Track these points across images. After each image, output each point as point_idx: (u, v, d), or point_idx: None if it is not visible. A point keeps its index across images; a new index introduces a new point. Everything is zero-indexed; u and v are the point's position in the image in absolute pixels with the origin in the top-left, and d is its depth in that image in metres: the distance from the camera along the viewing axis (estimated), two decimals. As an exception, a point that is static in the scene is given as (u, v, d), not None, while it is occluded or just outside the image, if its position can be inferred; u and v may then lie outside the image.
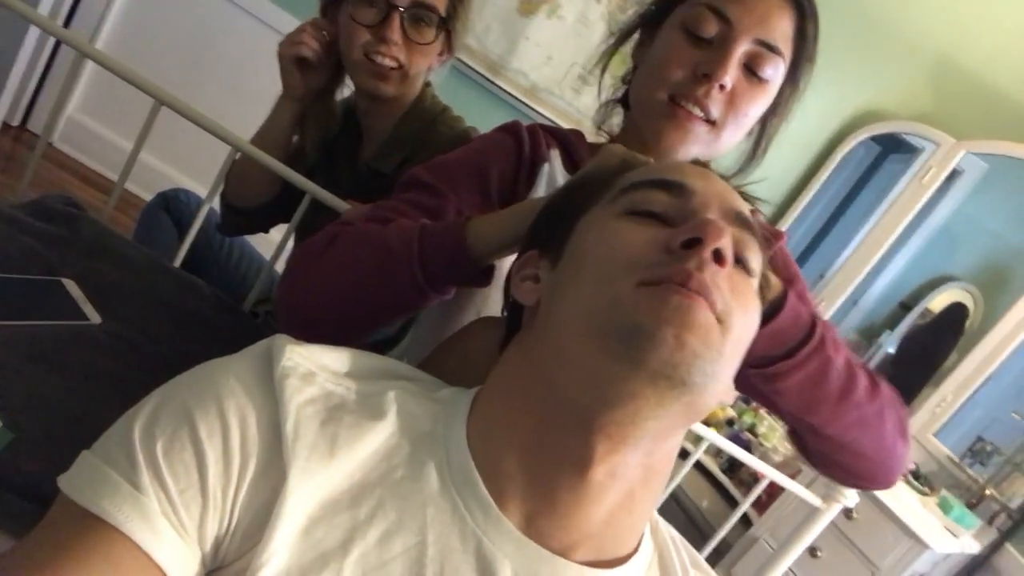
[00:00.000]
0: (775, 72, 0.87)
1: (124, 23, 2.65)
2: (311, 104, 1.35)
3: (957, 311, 2.94)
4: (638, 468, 0.55)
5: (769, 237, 0.94)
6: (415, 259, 0.75)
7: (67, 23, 2.57)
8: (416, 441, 0.57)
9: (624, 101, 1.00)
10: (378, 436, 0.55)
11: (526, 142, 0.96)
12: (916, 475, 2.46)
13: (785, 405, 0.81)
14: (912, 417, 2.64)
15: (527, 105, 2.79)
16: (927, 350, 3.00)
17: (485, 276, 0.80)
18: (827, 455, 0.87)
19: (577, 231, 0.62)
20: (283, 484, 0.50)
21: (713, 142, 0.88)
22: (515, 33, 2.72)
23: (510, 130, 0.99)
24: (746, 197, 0.97)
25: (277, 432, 0.52)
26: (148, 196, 1.69)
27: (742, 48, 0.84)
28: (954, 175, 2.86)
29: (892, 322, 3.16)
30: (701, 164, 0.68)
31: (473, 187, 0.91)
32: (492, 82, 2.76)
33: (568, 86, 2.75)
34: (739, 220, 0.60)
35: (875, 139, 3.03)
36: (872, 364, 3.12)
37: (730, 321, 0.53)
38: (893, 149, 3.11)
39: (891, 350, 3.13)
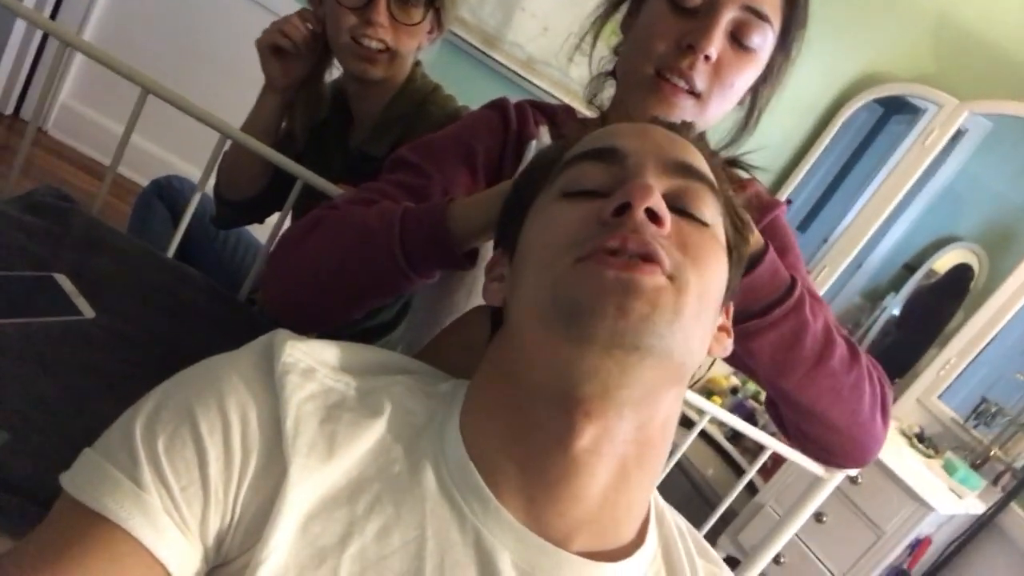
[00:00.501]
0: (763, 40, 0.85)
1: (114, 7, 2.63)
2: (298, 89, 1.34)
3: (962, 272, 2.93)
4: (629, 444, 0.54)
5: (740, 182, 0.94)
6: (396, 242, 0.76)
7: (56, 8, 2.54)
8: (413, 437, 0.57)
9: (615, 74, 0.99)
10: (375, 433, 0.55)
11: (513, 119, 0.96)
12: (920, 437, 2.46)
13: (757, 366, 0.80)
14: (917, 380, 2.64)
15: (523, 78, 2.76)
16: (932, 311, 2.99)
17: (469, 259, 0.80)
18: (799, 426, 0.86)
19: (526, 222, 0.61)
20: (283, 481, 0.50)
21: (700, 114, 0.86)
22: (510, 4, 2.68)
23: (497, 107, 0.99)
24: (741, 166, 0.96)
25: (278, 428, 0.52)
26: (145, 181, 1.68)
27: (728, 16, 0.82)
28: (958, 135, 2.83)
29: (896, 284, 3.15)
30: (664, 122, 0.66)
31: (459, 165, 0.91)
32: (488, 55, 2.72)
33: (564, 57, 2.71)
34: (682, 169, 0.59)
35: (878, 101, 2.99)
36: (877, 327, 3.12)
37: (684, 277, 0.52)
38: (896, 110, 3.08)
39: (896, 312, 3.12)
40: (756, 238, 0.74)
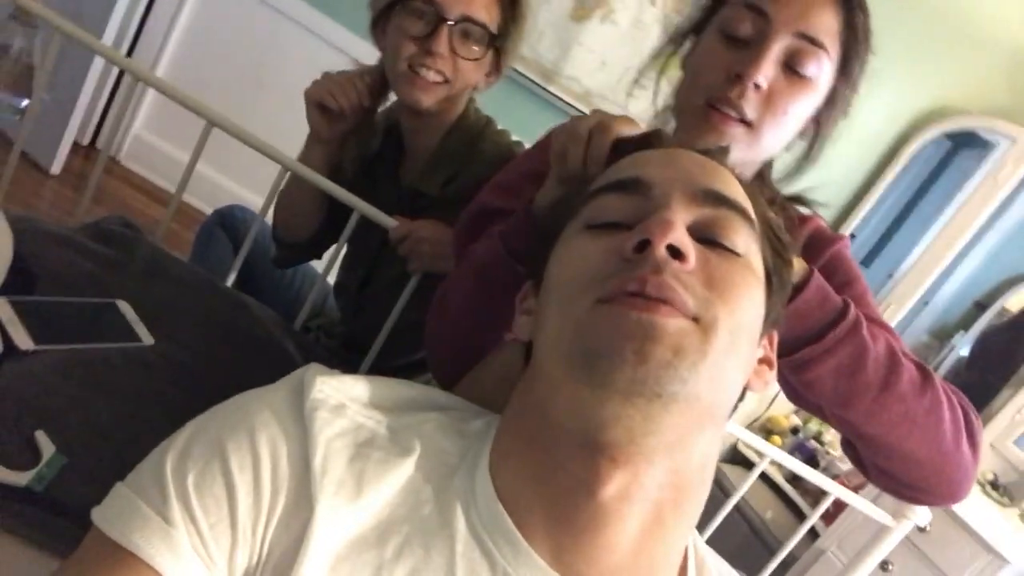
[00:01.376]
0: (819, 68, 0.83)
1: (187, 42, 2.74)
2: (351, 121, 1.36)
3: (1036, 312, 2.82)
4: (664, 488, 0.52)
5: (802, 218, 0.92)
6: (502, 252, 0.80)
7: (133, 45, 2.66)
8: (443, 477, 0.56)
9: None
10: (405, 472, 0.54)
11: None
12: (995, 485, 2.34)
13: (819, 399, 0.76)
14: (989, 424, 2.52)
15: (580, 111, 2.76)
16: (1004, 352, 2.87)
17: None
18: (877, 464, 0.81)
19: (552, 254, 0.60)
20: (311, 520, 0.49)
21: (753, 143, 0.84)
22: (568, 39, 2.70)
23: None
24: (802, 202, 0.94)
25: (307, 466, 0.52)
26: (209, 209, 1.73)
27: (779, 44, 0.81)
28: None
29: (966, 322, 3.04)
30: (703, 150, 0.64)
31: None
32: (545, 89, 2.75)
33: (622, 90, 2.72)
34: (711, 198, 0.56)
35: (946, 135, 2.90)
36: (945, 366, 3.00)
37: (711, 315, 0.50)
38: (964, 144, 2.99)
39: (964, 352, 3.01)
40: (800, 264, 0.72)
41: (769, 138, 0.85)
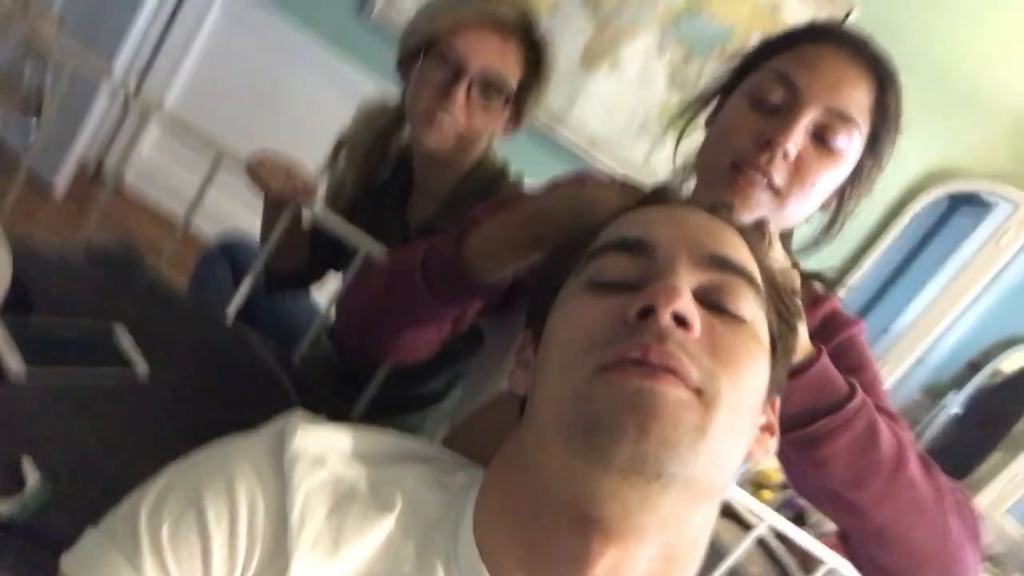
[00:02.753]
0: (849, 142, 0.82)
1: (202, 64, 2.76)
2: (364, 145, 1.37)
3: (1029, 375, 2.82)
4: (654, 561, 0.50)
5: (819, 297, 0.91)
6: (418, 274, 0.81)
7: (147, 70, 2.68)
8: (424, 534, 0.54)
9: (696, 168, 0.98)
10: (385, 528, 0.53)
11: None
12: (988, 557, 2.31)
13: (830, 479, 0.74)
14: (984, 491, 2.51)
15: (586, 156, 2.79)
16: (996, 413, 2.86)
17: (495, 291, 0.81)
18: (878, 558, 0.78)
19: (554, 308, 0.58)
20: (286, 575, 0.48)
21: (778, 211, 0.83)
22: (576, 87, 2.74)
23: (577, 176, 1.02)
24: (821, 279, 0.93)
25: (285, 519, 0.50)
26: (214, 231, 1.74)
27: (809, 116, 0.79)
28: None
29: (959, 382, 3.03)
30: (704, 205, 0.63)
31: None
32: (553, 133, 2.78)
33: (629, 136, 2.75)
34: (717, 263, 0.55)
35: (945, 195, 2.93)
36: (936, 424, 3.00)
37: (714, 388, 0.48)
38: (962, 202, 3.01)
39: (957, 411, 3.00)
40: (804, 343, 0.71)
41: (794, 207, 0.83)
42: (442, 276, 0.80)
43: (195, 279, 1.59)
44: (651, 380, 0.46)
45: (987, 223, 2.78)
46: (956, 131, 2.86)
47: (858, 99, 0.81)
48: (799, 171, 0.81)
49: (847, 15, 2.66)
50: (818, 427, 0.71)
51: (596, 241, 0.60)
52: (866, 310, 3.28)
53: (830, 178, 0.84)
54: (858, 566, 0.82)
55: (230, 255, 1.59)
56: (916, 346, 2.82)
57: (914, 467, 0.73)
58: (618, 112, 2.76)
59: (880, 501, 0.73)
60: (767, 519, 1.25)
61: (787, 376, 0.63)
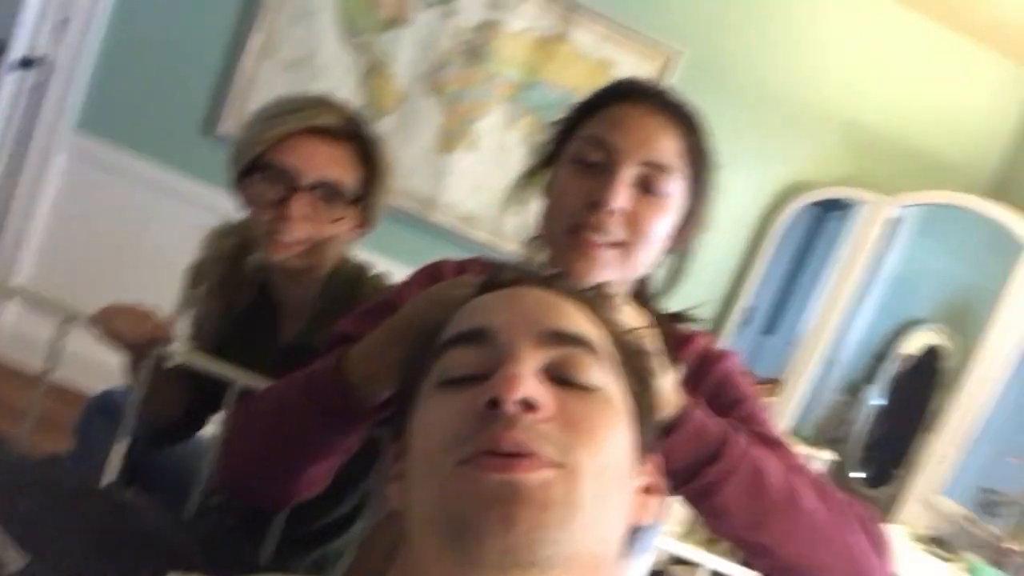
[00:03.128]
0: (674, 187, 0.86)
1: (53, 225, 2.69)
2: (216, 272, 1.32)
3: (933, 353, 2.92)
4: None
5: (688, 335, 0.92)
6: (303, 406, 0.78)
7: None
8: None
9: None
10: None
11: (444, 277, 0.96)
12: (936, 540, 2.34)
13: (733, 526, 0.74)
14: (917, 478, 2.55)
15: (462, 235, 2.83)
16: (914, 396, 2.95)
17: (386, 405, 0.78)
18: None
19: (413, 415, 0.57)
20: None
21: (626, 263, 0.86)
22: (440, 170, 2.79)
23: (431, 267, 1.02)
24: (684, 319, 0.95)
25: None
26: (91, 385, 1.63)
27: (628, 172, 0.84)
28: (896, 223, 2.91)
29: (871, 375, 3.13)
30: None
31: None
32: (427, 218, 2.81)
33: (499, 209, 2.77)
34: (556, 338, 0.55)
35: (813, 203, 3.08)
36: (863, 419, 3.07)
37: (574, 459, 0.48)
38: (830, 207, 3.17)
39: (878, 402, 3.08)
40: (671, 399, 0.71)
41: (641, 256, 0.87)
42: (329, 408, 0.78)
43: (76, 443, 1.49)
44: (508, 472, 0.46)
45: (851, 224, 2.93)
46: (800, 147, 3.07)
47: (669, 147, 0.86)
48: (635, 222, 0.85)
49: (674, 59, 2.81)
50: (704, 480, 0.72)
51: (440, 339, 0.59)
52: (770, 326, 3.38)
53: (665, 223, 0.87)
54: None
55: (109, 414, 1.48)
56: (817, 348, 2.90)
57: (808, 496, 0.75)
58: (484, 188, 2.83)
59: (783, 538, 0.74)
60: (707, 565, 1.28)
61: (663, 434, 0.65)
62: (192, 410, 1.36)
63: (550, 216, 0.91)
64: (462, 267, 1.01)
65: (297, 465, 0.82)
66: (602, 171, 0.85)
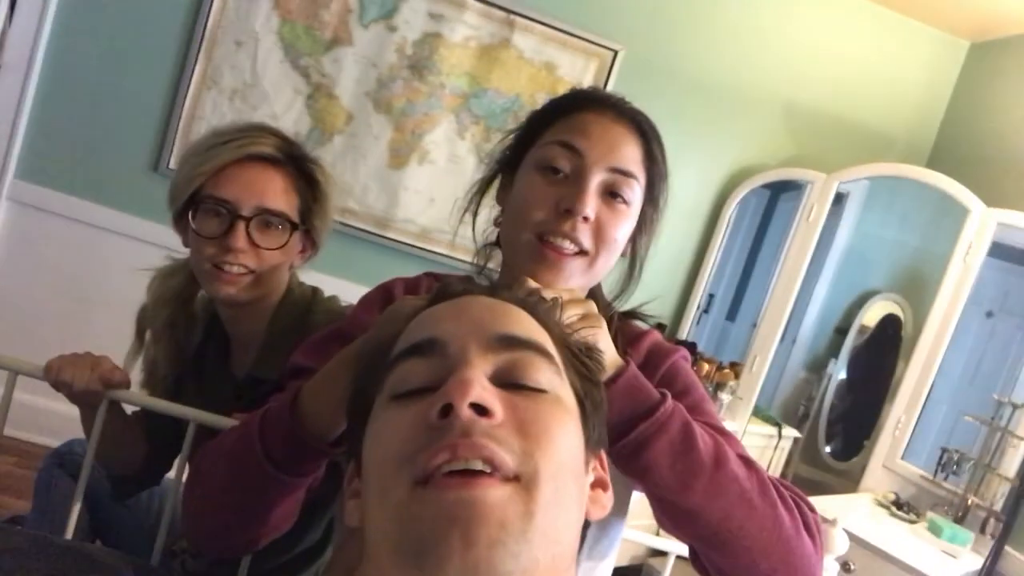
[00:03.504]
0: (633, 194, 0.88)
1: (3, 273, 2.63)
2: (162, 315, 1.30)
3: (890, 322, 2.99)
4: None
5: (639, 332, 0.95)
6: (259, 450, 0.75)
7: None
8: None
9: (499, 243, 1.00)
10: None
11: (396, 297, 0.95)
12: (898, 504, 2.41)
13: (658, 486, 0.74)
14: (877, 444, 2.62)
15: (420, 248, 2.83)
16: (875, 366, 3.02)
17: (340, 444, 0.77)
18: (723, 566, 0.78)
19: (366, 432, 0.58)
20: None
21: (588, 271, 0.88)
22: (393, 186, 2.78)
23: (379, 288, 1.00)
24: (637, 316, 0.98)
25: None
26: (57, 443, 1.59)
27: (597, 178, 0.86)
28: (841, 199, 2.97)
29: (834, 350, 3.19)
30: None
31: None
32: (382, 236, 2.79)
33: (455, 221, 2.77)
34: (505, 342, 0.56)
35: (763, 185, 3.14)
36: (829, 395, 3.13)
37: (531, 468, 0.49)
38: (781, 189, 3.23)
39: (842, 376, 3.15)
40: (611, 359, 0.74)
41: (602, 264, 0.89)
42: (286, 452, 0.75)
43: (36, 500, 1.45)
44: (468, 489, 0.46)
45: (801, 203, 2.99)
46: (743, 133, 3.12)
47: (631, 154, 0.88)
48: (600, 230, 0.87)
49: (615, 57, 2.85)
50: (636, 434, 0.73)
51: (391, 353, 0.60)
52: (732, 312, 3.43)
53: (626, 229, 0.90)
54: None
55: (70, 468, 1.47)
56: (777, 327, 2.94)
57: (734, 463, 0.76)
58: (439, 201, 2.83)
59: (708, 500, 0.74)
60: (674, 551, 1.30)
61: (603, 387, 0.65)
62: (153, 456, 1.34)
63: (513, 224, 0.90)
64: (412, 284, 1.01)
65: (260, 514, 0.80)
66: (572, 178, 0.86)
